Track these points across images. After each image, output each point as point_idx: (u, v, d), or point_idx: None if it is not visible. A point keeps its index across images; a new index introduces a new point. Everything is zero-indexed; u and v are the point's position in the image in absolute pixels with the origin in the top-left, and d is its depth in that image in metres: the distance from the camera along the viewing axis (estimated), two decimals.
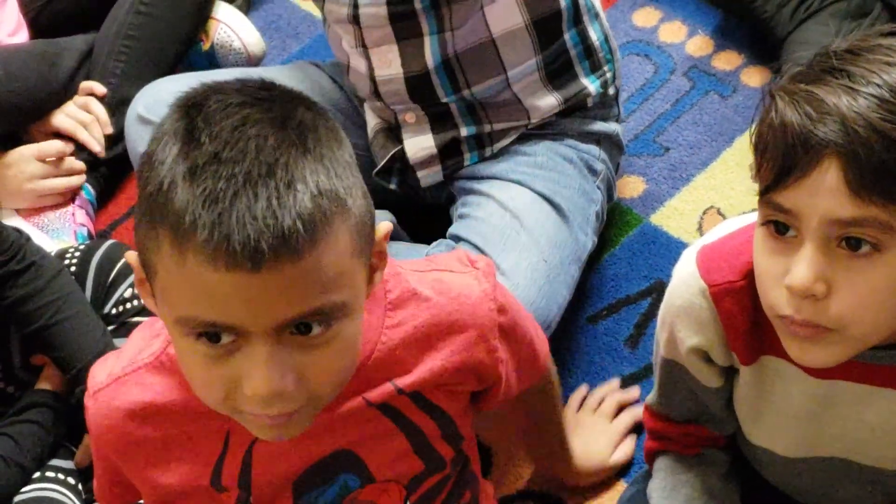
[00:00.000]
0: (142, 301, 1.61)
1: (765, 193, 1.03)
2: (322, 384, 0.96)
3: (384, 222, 1.02)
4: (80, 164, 1.95)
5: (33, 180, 1.91)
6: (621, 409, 1.61)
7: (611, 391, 1.63)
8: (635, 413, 1.59)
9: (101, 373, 1.11)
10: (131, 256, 0.99)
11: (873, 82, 0.97)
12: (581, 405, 1.63)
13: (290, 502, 1.12)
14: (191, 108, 0.93)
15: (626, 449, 1.57)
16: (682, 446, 1.33)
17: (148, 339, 1.10)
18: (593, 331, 1.74)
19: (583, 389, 1.65)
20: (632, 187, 1.90)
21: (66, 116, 1.97)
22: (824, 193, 0.98)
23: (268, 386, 0.92)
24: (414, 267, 1.14)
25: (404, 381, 1.09)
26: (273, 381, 0.92)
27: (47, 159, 1.92)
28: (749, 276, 1.12)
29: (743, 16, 2.04)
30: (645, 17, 2.14)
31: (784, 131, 1.00)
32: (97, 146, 1.96)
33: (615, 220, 1.85)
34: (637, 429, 1.59)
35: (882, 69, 0.98)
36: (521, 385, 1.23)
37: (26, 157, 1.92)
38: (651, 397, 1.34)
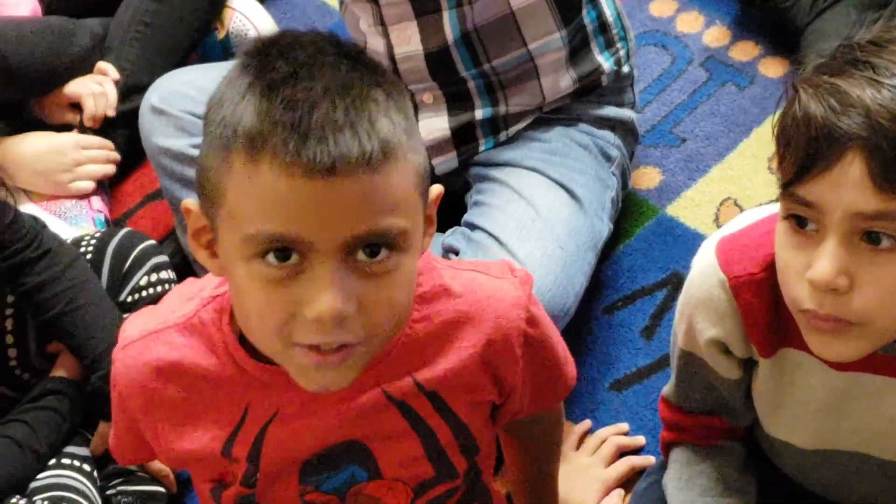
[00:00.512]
0: (157, 290, 1.63)
1: (787, 187, 1.02)
2: (381, 317, 0.96)
3: (436, 185, 1.03)
4: (116, 154, 1.96)
5: (74, 166, 1.91)
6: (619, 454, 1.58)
7: (613, 434, 1.60)
8: (633, 462, 1.56)
9: (133, 327, 1.12)
10: (190, 202, 1.00)
11: None
12: (580, 444, 1.60)
13: (296, 483, 1.12)
14: (263, 47, 0.95)
15: (614, 501, 1.54)
16: (698, 437, 1.32)
17: (183, 300, 1.11)
18: (609, 322, 1.74)
19: (585, 425, 1.63)
20: (648, 178, 1.90)
21: (78, 83, 1.98)
22: (848, 187, 0.97)
23: (332, 305, 0.92)
24: (451, 264, 1.13)
25: (424, 376, 1.08)
26: (337, 302, 0.92)
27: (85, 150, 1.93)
28: (769, 268, 1.12)
29: (761, 6, 2.03)
30: (661, 7, 2.13)
31: (808, 124, 0.99)
32: (90, 121, 1.96)
33: (631, 210, 1.85)
34: (628, 482, 1.54)
35: None
36: (534, 405, 1.21)
37: (70, 143, 1.92)
38: (668, 389, 1.33)
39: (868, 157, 0.96)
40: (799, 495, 1.33)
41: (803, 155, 0.99)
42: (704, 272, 1.18)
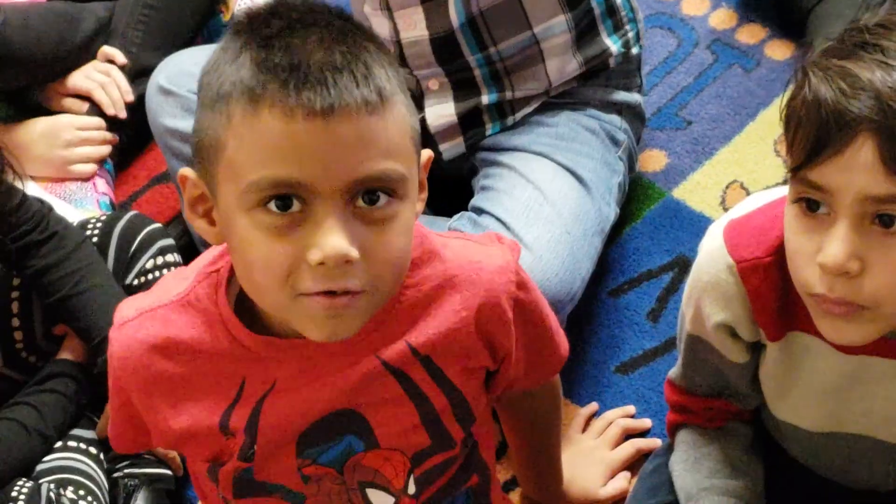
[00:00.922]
0: (163, 272, 1.63)
1: (797, 170, 1.02)
2: (382, 265, 0.97)
3: (426, 149, 1.06)
4: (112, 135, 1.95)
5: (68, 148, 1.91)
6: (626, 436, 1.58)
7: (620, 417, 1.60)
8: (639, 445, 1.55)
9: (128, 308, 1.13)
10: (186, 170, 1.02)
11: None
12: (586, 426, 1.60)
13: (293, 455, 1.12)
14: (254, 13, 0.98)
15: (620, 483, 1.53)
16: (705, 420, 1.33)
17: (178, 280, 1.12)
18: (615, 304, 1.74)
19: (591, 407, 1.63)
20: (654, 161, 1.89)
21: (84, 77, 1.97)
22: (859, 170, 0.97)
23: (336, 247, 0.93)
24: (439, 234, 1.15)
25: (418, 341, 1.09)
26: (342, 243, 0.93)
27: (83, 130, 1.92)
28: (777, 252, 1.11)
29: None
30: None
31: (818, 107, 0.99)
32: (112, 108, 1.95)
33: (637, 193, 1.84)
34: (634, 465, 1.54)
35: None
36: (529, 378, 1.21)
37: (64, 124, 1.92)
38: (674, 372, 1.33)
39: (879, 141, 0.96)
40: (805, 478, 1.33)
41: (814, 138, 0.99)
42: (712, 256, 1.18)
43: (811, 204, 1.01)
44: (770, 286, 1.14)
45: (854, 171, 0.97)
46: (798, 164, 1.01)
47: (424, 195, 1.06)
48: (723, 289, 1.17)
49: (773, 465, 1.34)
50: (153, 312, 1.10)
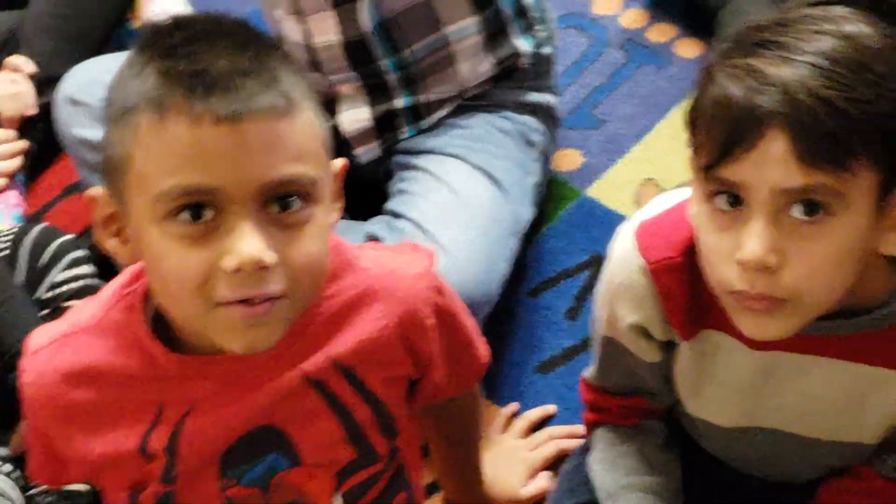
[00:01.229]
0: (76, 284, 1.60)
1: (709, 169, 1.02)
2: (300, 269, 0.97)
3: (340, 158, 1.05)
4: (24, 143, 1.92)
5: None
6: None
7: (541, 416, 1.60)
8: (561, 444, 1.56)
9: (40, 335, 1.10)
10: (95, 190, 1.00)
11: (808, 51, 0.98)
12: (507, 426, 1.61)
13: (216, 477, 1.11)
14: (157, 27, 0.98)
15: (541, 483, 1.54)
16: (620, 418, 1.34)
17: (91, 305, 1.10)
18: (533, 304, 1.75)
19: (512, 407, 1.63)
20: (569, 160, 1.91)
21: None
22: (772, 164, 0.98)
23: (252, 252, 0.92)
24: (355, 245, 1.15)
25: (338, 352, 1.09)
26: (257, 248, 0.93)
27: None
28: (687, 251, 1.13)
29: None
30: None
31: (727, 105, 0.99)
32: (10, 124, 1.92)
33: (553, 193, 1.85)
34: (555, 464, 1.55)
35: (813, 38, 0.98)
36: (451, 386, 1.21)
37: None
38: (589, 371, 1.34)
39: (790, 134, 0.96)
40: (722, 472, 1.35)
41: (725, 136, 1.00)
42: (624, 258, 1.19)
43: (730, 200, 1.02)
44: (681, 286, 1.15)
45: (767, 165, 0.98)
46: (710, 163, 1.02)
47: (339, 205, 1.06)
48: (636, 290, 1.18)
49: (689, 460, 1.35)
50: (66, 338, 1.08)
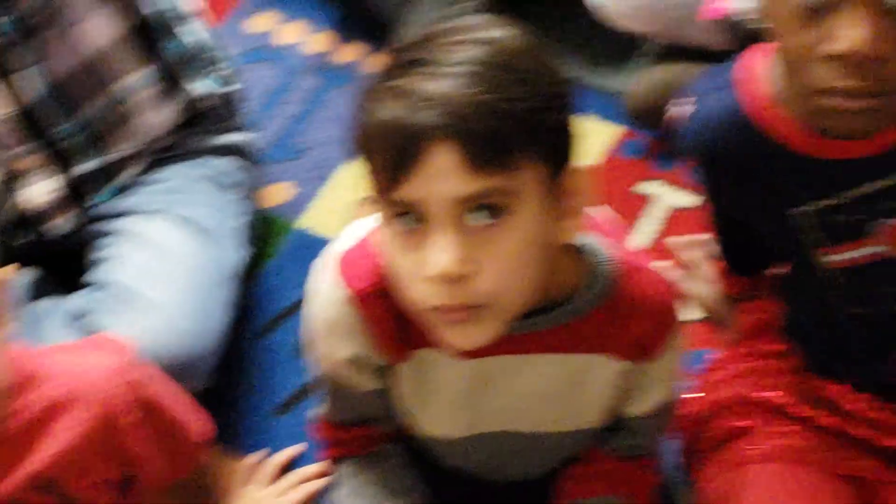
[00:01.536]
0: None
1: (385, 192, 1.03)
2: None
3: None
4: None
5: None
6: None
7: (286, 459, 1.57)
8: (307, 488, 1.53)
9: None
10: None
11: (457, 61, 1.00)
12: (252, 475, 1.56)
13: None
14: None
15: None
16: (360, 448, 1.34)
17: None
18: (262, 345, 1.72)
19: (258, 455, 1.58)
20: (280, 194, 1.89)
21: None
22: (443, 177, 0.99)
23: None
24: (41, 351, 1.11)
25: (35, 467, 1.05)
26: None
27: None
28: (383, 277, 1.13)
29: (357, 8, 2.06)
30: (260, 23, 2.12)
31: (391, 127, 1.00)
32: None
33: (266, 230, 1.83)
34: None
35: (459, 48, 1.01)
36: (173, 472, 1.19)
37: None
38: (319, 408, 1.33)
39: (454, 144, 0.98)
40: (466, 482, 1.36)
41: (393, 159, 1.00)
42: (327, 292, 1.19)
43: (416, 218, 1.02)
44: (385, 311, 1.15)
45: (438, 178, 0.99)
46: (385, 187, 1.03)
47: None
48: (345, 322, 1.18)
49: (433, 475, 1.36)
50: None
